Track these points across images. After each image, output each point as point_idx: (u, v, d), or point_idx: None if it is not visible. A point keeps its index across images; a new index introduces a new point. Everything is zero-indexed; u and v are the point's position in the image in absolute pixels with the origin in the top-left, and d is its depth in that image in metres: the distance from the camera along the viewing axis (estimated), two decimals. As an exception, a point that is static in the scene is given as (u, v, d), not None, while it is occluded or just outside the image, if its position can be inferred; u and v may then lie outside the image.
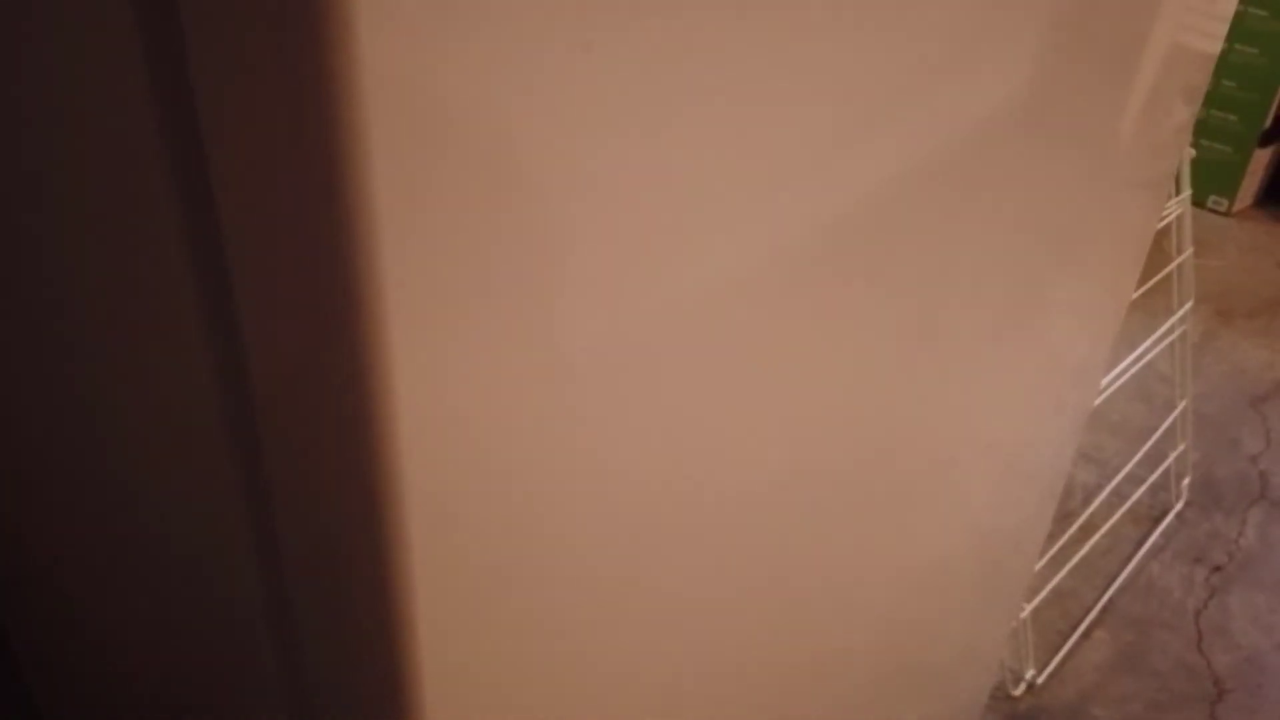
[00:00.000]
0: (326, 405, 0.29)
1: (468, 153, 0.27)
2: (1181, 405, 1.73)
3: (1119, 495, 1.71)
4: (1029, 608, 1.41)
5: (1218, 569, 1.67)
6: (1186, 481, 1.82)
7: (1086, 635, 1.54)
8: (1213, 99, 2.69)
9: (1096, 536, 1.60)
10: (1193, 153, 1.52)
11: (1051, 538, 1.54)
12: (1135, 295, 1.21)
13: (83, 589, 0.53)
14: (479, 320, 0.30)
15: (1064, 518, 1.66)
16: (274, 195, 0.26)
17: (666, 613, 0.46)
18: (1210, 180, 2.78)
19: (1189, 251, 1.59)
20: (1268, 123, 2.69)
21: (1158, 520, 1.76)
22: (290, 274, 0.27)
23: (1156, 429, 1.73)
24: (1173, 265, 1.59)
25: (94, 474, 0.45)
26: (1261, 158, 2.77)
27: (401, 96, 0.24)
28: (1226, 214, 2.80)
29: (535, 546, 0.36)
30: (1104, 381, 1.45)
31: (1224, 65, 2.64)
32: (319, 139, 0.24)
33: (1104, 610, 1.58)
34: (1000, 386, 0.71)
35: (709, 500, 0.45)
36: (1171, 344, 1.65)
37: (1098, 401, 1.36)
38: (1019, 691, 1.44)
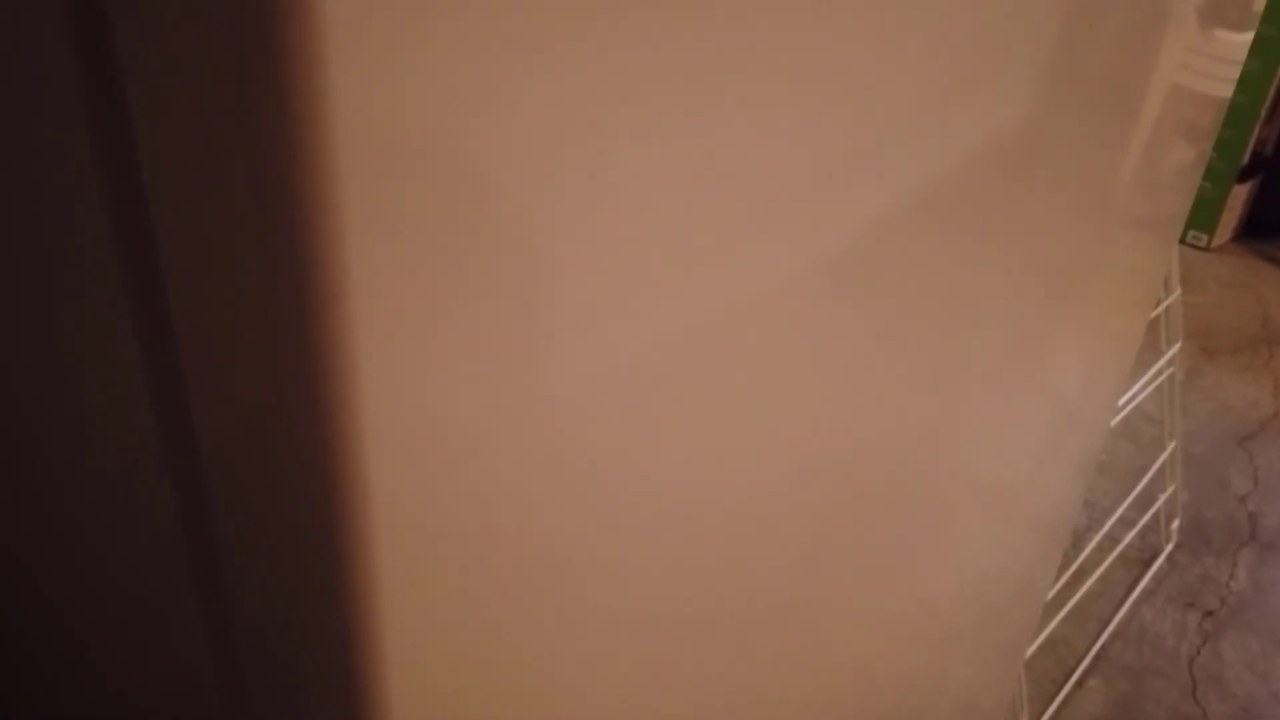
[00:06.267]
0: (283, 464, 0.25)
1: (442, 193, 0.23)
2: (1171, 447, 1.70)
3: (1109, 538, 1.68)
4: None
5: (1210, 614, 1.64)
6: (1176, 524, 1.79)
7: (1080, 684, 1.50)
8: (1191, 136, 2.70)
9: (1089, 582, 1.57)
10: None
11: (1043, 583, 1.51)
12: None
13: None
14: (452, 368, 0.26)
15: (1054, 561, 1.63)
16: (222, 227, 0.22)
17: (652, 662, 0.43)
18: (1190, 215, 2.79)
19: (1177, 293, 1.57)
20: (1245, 159, 2.70)
21: (1148, 563, 1.73)
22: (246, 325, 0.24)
23: (1144, 468, 1.71)
24: (1161, 306, 1.57)
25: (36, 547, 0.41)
26: (1240, 193, 2.78)
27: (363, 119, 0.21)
28: (1206, 249, 2.81)
29: (521, 608, 0.32)
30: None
31: (1202, 102, 2.65)
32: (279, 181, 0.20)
33: (1097, 658, 1.54)
34: (1007, 430, 0.68)
35: (700, 545, 0.41)
36: (1160, 385, 1.63)
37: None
38: (1013, 743, 1.40)
